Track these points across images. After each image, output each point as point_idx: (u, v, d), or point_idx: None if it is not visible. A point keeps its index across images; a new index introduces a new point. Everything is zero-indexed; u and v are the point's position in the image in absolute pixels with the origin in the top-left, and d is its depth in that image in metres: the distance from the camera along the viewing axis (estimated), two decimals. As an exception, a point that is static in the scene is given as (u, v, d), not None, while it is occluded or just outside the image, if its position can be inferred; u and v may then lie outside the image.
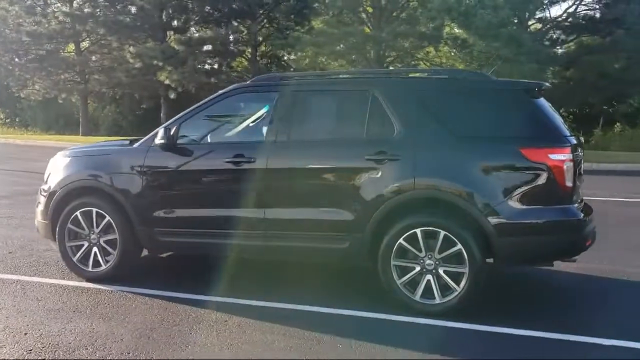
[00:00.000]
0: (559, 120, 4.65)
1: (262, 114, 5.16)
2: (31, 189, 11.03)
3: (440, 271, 4.48)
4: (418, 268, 4.53)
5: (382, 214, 4.56)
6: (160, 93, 27.50)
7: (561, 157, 4.36)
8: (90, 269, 5.35)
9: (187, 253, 5.80)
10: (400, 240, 4.53)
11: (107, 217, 5.24)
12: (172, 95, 25.41)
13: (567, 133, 4.57)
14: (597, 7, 21.53)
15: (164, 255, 6.09)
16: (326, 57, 23.38)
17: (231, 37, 24.99)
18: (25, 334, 4.11)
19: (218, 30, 24.74)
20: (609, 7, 20.58)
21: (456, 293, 4.43)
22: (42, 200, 5.55)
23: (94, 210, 5.29)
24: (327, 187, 4.77)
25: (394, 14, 23.86)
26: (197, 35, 25.84)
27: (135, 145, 5.37)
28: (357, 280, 5.51)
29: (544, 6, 21.96)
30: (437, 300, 4.48)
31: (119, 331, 4.17)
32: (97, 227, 5.31)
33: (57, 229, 5.41)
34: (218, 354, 3.82)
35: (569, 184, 4.38)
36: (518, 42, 18.63)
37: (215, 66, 28.51)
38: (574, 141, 4.55)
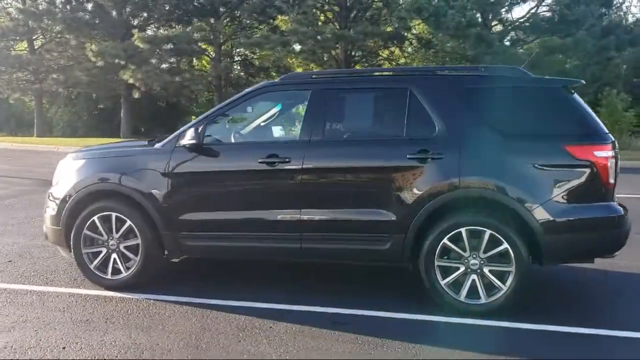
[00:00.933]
0: (596, 117, 4.67)
1: (292, 112, 5.01)
2: (3, 192, 10.52)
3: (486, 270, 4.43)
4: (462, 268, 4.47)
5: (425, 214, 4.48)
6: (120, 92, 26.75)
7: (605, 154, 4.38)
8: (109, 276, 5.08)
9: (215, 257, 5.61)
10: (445, 240, 4.46)
11: (129, 222, 4.99)
12: (136, 95, 24.72)
13: (607, 130, 4.59)
14: (557, 8, 22.04)
15: (176, 260, 5.84)
16: (295, 57, 23.21)
17: (196, 36, 24.46)
18: (64, 348, 3.85)
19: (184, 29, 24.15)
20: (570, 8, 21.14)
21: (503, 292, 4.39)
22: (53, 205, 5.24)
23: (114, 214, 5.02)
24: (367, 187, 4.66)
25: (359, 13, 23.88)
26: (162, 33, 25.19)
27: (157, 145, 5.13)
28: (403, 281, 5.43)
29: (507, 7, 22.41)
30: (483, 300, 4.43)
31: (163, 342, 3.95)
32: (117, 232, 5.05)
33: (71, 235, 5.12)
34: (278, 363, 3.67)
35: (611, 180, 4.41)
36: (486, 42, 18.96)
37: (179, 65, 27.93)
38: (613, 138, 4.58)
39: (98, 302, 4.78)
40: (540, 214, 4.32)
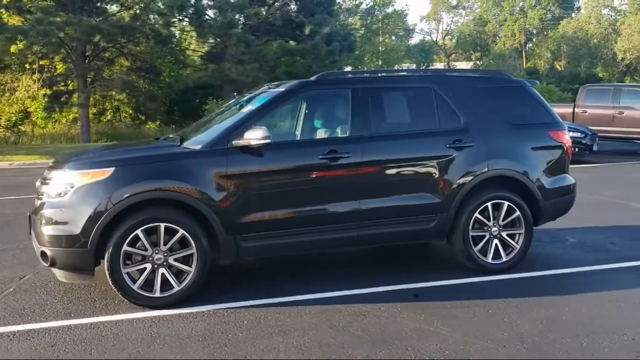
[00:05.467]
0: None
1: (335, 110, 5.27)
2: None
3: (504, 234, 5.48)
4: (488, 235, 5.44)
5: (464, 194, 5.30)
6: None
7: (568, 137, 5.85)
8: (158, 294, 4.59)
9: (272, 256, 5.52)
10: (476, 214, 5.36)
11: (181, 231, 4.60)
12: None
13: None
14: (297, 15, 24.12)
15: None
16: (39, 49, 20.38)
17: None
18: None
19: None
20: (306, 14, 23.36)
21: (517, 250, 5.50)
22: (66, 225, 4.48)
23: (162, 225, 4.56)
24: (415, 174, 5.26)
25: (98, 3, 22.23)
26: None
27: (200, 147, 4.81)
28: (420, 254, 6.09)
29: (251, 9, 23.61)
30: (504, 259, 5.47)
31: (330, 341, 4.00)
32: (165, 244, 4.60)
33: (107, 255, 4.47)
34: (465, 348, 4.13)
35: (570, 157, 5.90)
36: (245, 42, 19.87)
37: None
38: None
39: (185, 322, 4.36)
40: (539, 185, 5.56)
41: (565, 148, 5.79)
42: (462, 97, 5.50)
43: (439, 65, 58.55)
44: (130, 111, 27.35)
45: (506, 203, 5.43)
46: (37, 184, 5.09)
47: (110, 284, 4.56)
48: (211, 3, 19.67)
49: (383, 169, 5.16)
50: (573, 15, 58.48)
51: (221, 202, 4.70)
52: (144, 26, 20.42)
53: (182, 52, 25.02)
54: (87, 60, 22.17)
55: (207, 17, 20.32)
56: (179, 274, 4.67)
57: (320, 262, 5.92)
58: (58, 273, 4.75)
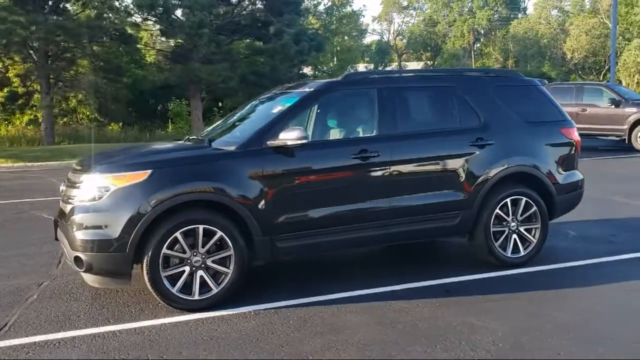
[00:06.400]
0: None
1: (362, 110, 5.32)
2: None
3: (522, 229, 5.65)
4: (507, 230, 5.60)
5: (486, 190, 5.44)
6: None
7: (577, 134, 6.07)
8: (197, 297, 4.55)
9: (305, 255, 5.55)
10: (497, 210, 5.51)
11: (219, 233, 4.57)
12: None
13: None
14: (263, 12, 23.98)
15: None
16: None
17: None
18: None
19: None
20: (274, 13, 23.26)
21: (534, 244, 5.68)
22: (98, 229, 4.40)
23: (201, 227, 4.52)
24: (442, 173, 5.36)
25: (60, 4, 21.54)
26: None
27: (235, 148, 4.78)
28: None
29: (220, 8, 23.37)
30: (522, 253, 5.64)
31: (384, 337, 4.05)
32: (203, 246, 4.56)
33: (146, 259, 4.41)
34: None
35: (579, 153, 6.13)
36: (216, 42, 19.65)
37: None
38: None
39: (226, 322, 4.33)
40: (554, 180, 5.76)
41: (575, 144, 6.01)
42: (480, 96, 5.64)
43: (395, 66, 59.41)
44: (88, 113, 26.65)
45: (524, 199, 5.60)
46: (63, 187, 4.96)
47: (149, 287, 4.49)
48: (178, 2, 19.34)
49: (410, 168, 5.24)
50: (520, 16, 60.32)
51: (258, 202, 4.69)
52: (110, 26, 19.91)
53: (143, 52, 24.45)
54: (49, 61, 21.50)
55: (174, 16, 19.96)
56: (216, 276, 4.64)
57: (341, 261, 5.97)
58: (91, 278, 4.63)
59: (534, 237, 5.68)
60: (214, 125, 6.07)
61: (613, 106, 16.83)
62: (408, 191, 5.22)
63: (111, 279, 4.56)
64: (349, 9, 46.76)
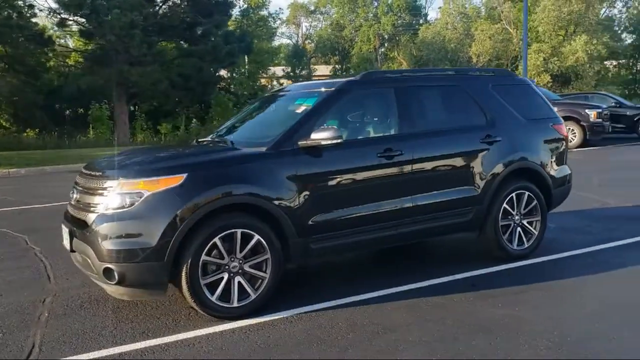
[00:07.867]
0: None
1: (381, 108, 5.34)
2: None
3: (525, 222, 5.88)
4: (512, 224, 5.81)
5: (495, 186, 5.61)
6: None
7: (566, 130, 6.39)
8: (236, 304, 4.38)
9: (336, 256, 5.48)
10: (504, 204, 5.71)
11: (257, 237, 4.42)
12: None
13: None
14: (191, 13, 23.33)
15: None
16: None
17: None
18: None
19: None
20: (203, 14, 22.70)
21: (535, 236, 5.93)
22: (131, 237, 4.15)
23: (239, 231, 4.36)
24: (459, 169, 5.48)
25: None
26: None
27: (266, 149, 4.64)
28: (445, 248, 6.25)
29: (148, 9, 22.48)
30: (526, 245, 5.87)
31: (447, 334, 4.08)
32: (241, 251, 4.40)
33: (185, 267, 4.19)
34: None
35: (568, 149, 6.47)
36: (148, 43, 18.87)
37: None
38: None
39: (275, 329, 4.19)
40: (551, 175, 6.04)
41: (565, 140, 6.33)
42: (484, 94, 5.82)
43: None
44: (2, 120, 24.89)
45: (527, 193, 5.83)
46: (77, 196, 4.61)
47: (188, 297, 4.26)
48: (105, 3, 18.42)
49: (430, 165, 5.31)
50: (421, 21, 62.42)
51: (293, 204, 4.58)
52: (30, 26, 18.67)
53: (60, 54, 23.11)
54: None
55: (102, 16, 18.96)
56: (252, 281, 4.49)
57: (354, 262, 5.95)
58: (120, 291, 4.32)
59: (535, 229, 5.92)
60: (223, 126, 5.87)
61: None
62: (428, 188, 5.29)
63: (145, 290, 4.29)
64: (265, 11, 46.66)
